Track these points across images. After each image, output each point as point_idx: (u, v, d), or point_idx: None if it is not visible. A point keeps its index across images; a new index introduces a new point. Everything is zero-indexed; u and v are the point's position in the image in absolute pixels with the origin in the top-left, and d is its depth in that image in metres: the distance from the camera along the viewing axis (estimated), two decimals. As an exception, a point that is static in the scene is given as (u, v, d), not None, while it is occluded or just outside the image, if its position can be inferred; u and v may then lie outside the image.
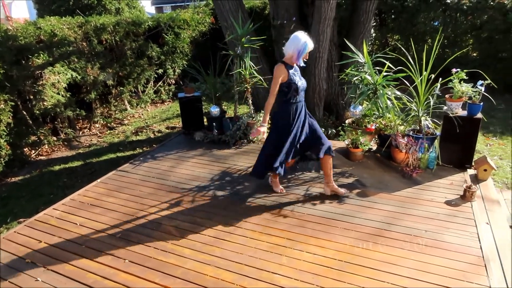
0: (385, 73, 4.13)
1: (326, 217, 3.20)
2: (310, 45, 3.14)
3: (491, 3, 7.26)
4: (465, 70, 3.81)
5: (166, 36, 8.07)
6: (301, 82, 3.26)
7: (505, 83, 7.08)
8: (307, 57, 3.26)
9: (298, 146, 3.39)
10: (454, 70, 3.84)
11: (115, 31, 7.03)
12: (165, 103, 8.62)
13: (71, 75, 6.02)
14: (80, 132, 6.85)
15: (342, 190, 3.55)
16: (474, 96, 3.79)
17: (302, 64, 3.25)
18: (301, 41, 3.08)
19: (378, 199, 3.46)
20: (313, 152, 3.46)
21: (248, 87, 4.97)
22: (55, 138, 6.18)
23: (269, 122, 3.39)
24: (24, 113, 5.52)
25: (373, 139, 4.57)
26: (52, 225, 3.28)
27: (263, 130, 3.21)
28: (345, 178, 3.91)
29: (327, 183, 3.55)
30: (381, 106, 4.18)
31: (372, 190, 3.62)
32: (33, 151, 5.93)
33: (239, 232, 3.05)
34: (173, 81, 8.76)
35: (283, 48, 3.22)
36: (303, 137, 3.40)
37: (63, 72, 5.88)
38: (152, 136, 6.56)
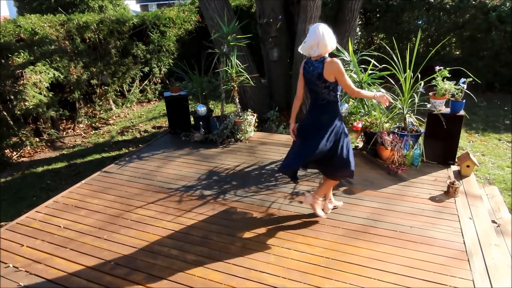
0: (370, 71, 4.16)
1: (313, 214, 3.21)
2: None
3: (473, 2, 7.40)
4: (447, 68, 3.86)
5: (151, 35, 7.97)
6: None
7: (487, 80, 7.24)
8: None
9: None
10: (437, 68, 3.89)
11: (99, 29, 6.91)
12: (151, 103, 8.52)
13: (54, 74, 5.89)
14: (64, 133, 6.71)
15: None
16: (456, 94, 3.86)
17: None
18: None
19: (364, 196, 3.50)
20: None
21: (235, 85, 4.95)
22: (37, 139, 6.05)
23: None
24: (5, 113, 5.38)
25: (359, 137, 4.61)
26: (35, 228, 3.20)
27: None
28: (332, 175, 3.92)
29: None
30: (367, 104, 4.23)
31: (358, 187, 3.66)
32: (15, 153, 5.79)
33: (227, 231, 3.04)
34: (159, 80, 8.66)
35: (326, 43, 2.67)
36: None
37: (45, 71, 5.75)
38: (138, 136, 6.47)
